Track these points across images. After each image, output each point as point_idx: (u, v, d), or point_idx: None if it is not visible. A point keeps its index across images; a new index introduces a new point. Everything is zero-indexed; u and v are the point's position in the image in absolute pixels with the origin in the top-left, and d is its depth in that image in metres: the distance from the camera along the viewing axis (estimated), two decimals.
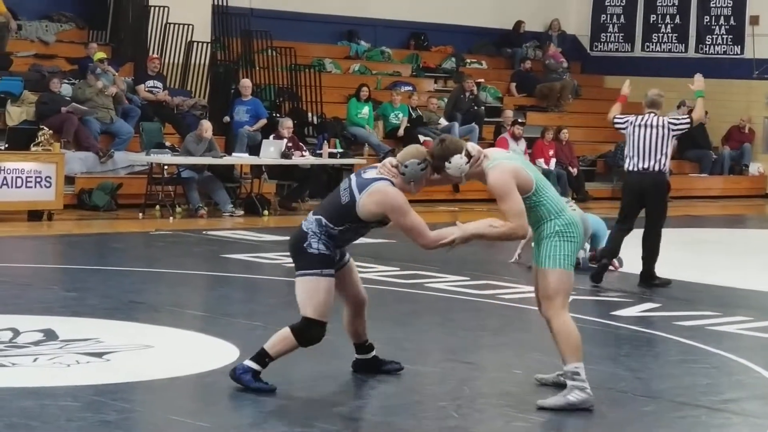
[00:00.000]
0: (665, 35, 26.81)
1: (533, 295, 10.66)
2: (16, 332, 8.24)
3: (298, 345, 6.93)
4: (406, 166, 6.87)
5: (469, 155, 6.87)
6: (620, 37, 27.33)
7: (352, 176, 7.01)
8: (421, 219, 6.92)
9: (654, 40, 26.94)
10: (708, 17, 26.34)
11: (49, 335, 8.22)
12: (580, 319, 9.78)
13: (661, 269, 12.78)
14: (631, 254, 12.53)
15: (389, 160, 6.99)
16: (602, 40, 27.55)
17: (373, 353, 7.45)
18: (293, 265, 7.02)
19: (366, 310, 7.33)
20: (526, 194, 6.78)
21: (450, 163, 6.84)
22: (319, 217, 6.91)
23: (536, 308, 10.07)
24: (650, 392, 7.41)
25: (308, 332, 6.88)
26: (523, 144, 21.68)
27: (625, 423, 6.77)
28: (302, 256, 6.89)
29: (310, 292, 6.85)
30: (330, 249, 6.90)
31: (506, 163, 6.85)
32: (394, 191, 6.83)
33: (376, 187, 6.83)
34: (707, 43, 26.35)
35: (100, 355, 7.70)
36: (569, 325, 6.87)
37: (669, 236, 13.37)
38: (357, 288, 7.30)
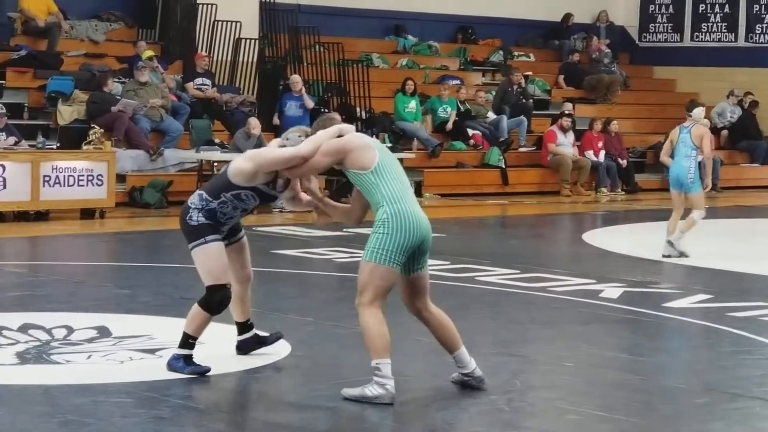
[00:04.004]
0: (715, 25, 26.61)
1: (584, 287, 10.73)
2: (70, 329, 8.32)
3: (210, 314, 7.15)
4: (287, 138, 7.09)
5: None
6: (669, 27, 27.16)
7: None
8: (283, 151, 6.96)
9: (703, 30, 26.74)
10: (758, 6, 26.12)
11: (103, 332, 8.29)
12: (631, 310, 9.76)
13: (713, 260, 12.72)
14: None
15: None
16: (651, 30, 27.38)
17: (253, 331, 7.65)
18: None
19: (250, 287, 7.53)
20: (362, 170, 6.73)
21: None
22: (201, 192, 7.19)
23: (586, 300, 10.10)
24: (703, 384, 7.37)
25: (212, 299, 7.10)
26: (571, 136, 21.61)
27: (679, 415, 6.73)
28: (186, 229, 7.17)
29: (201, 262, 7.14)
30: (211, 219, 7.11)
31: (351, 137, 6.87)
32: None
33: (245, 153, 7.22)
34: (757, 32, 26.12)
35: (152, 351, 7.76)
36: (372, 321, 6.59)
37: (720, 227, 13.31)
38: (244, 265, 7.47)
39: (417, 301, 6.85)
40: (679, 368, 7.79)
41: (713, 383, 7.39)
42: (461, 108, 21.57)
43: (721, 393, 7.16)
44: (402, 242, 6.58)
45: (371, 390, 6.62)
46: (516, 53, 25.40)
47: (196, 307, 7.17)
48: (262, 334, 7.69)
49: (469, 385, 6.95)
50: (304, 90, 19.54)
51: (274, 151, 7.01)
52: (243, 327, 7.62)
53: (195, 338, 7.16)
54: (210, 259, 7.11)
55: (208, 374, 7.12)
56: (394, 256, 6.58)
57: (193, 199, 7.17)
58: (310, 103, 19.51)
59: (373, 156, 6.71)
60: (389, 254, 6.57)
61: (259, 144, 17.18)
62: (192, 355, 7.15)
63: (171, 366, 7.14)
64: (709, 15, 26.68)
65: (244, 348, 7.63)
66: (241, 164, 7.02)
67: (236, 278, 7.44)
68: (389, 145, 19.39)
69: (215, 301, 7.12)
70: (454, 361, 6.96)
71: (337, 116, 7.23)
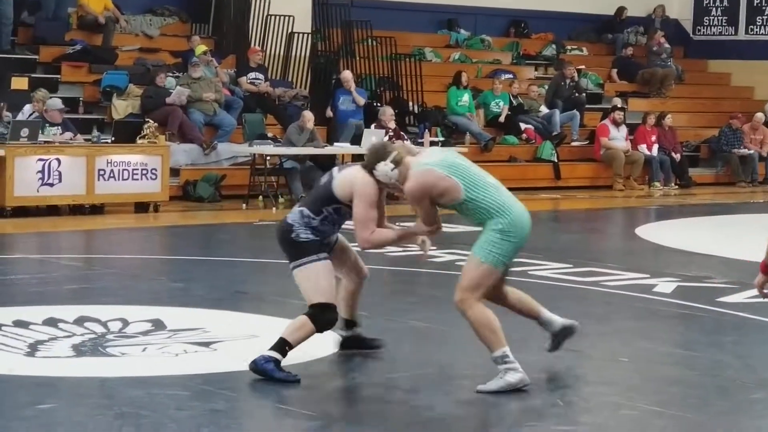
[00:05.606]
0: None
1: (638, 282, 10.67)
2: (126, 322, 8.38)
3: (316, 331, 6.96)
4: (375, 169, 6.83)
5: (397, 161, 6.72)
6: (724, 21, 26.94)
7: (336, 168, 7.15)
8: (373, 216, 6.88)
9: (758, 23, 26.50)
10: None
11: (158, 325, 8.34)
12: (685, 305, 9.70)
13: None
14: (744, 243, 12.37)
15: None
16: (705, 23, 27.18)
17: (359, 329, 7.58)
18: (286, 258, 7.06)
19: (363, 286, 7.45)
20: (455, 201, 6.68)
21: (376, 170, 6.79)
22: (302, 208, 7.04)
23: (640, 295, 10.05)
24: (759, 379, 7.31)
25: (322, 317, 6.91)
26: (624, 130, 21.50)
27: (735, 411, 6.69)
28: (294, 247, 6.99)
29: (312, 280, 6.94)
30: (318, 236, 6.98)
31: (426, 170, 6.68)
32: (367, 176, 6.87)
33: (355, 167, 7.00)
34: None
35: (207, 344, 7.80)
36: (480, 313, 6.72)
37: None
38: (356, 262, 7.41)
39: (500, 288, 7.05)
40: (735, 363, 7.73)
41: None
42: (514, 102, 21.52)
43: None
44: (515, 246, 6.74)
45: (511, 377, 6.70)
46: (569, 47, 25.30)
47: (302, 319, 6.95)
48: (364, 336, 7.61)
49: (561, 337, 7.24)
50: (353, 87, 19.55)
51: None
52: (351, 324, 7.55)
53: (292, 347, 6.95)
54: (323, 277, 6.94)
55: (296, 370, 7.04)
56: (505, 259, 6.74)
57: (294, 217, 7.00)
58: (360, 100, 19.48)
59: (454, 186, 6.65)
60: (503, 258, 6.72)
61: (312, 138, 17.23)
62: (281, 361, 6.92)
63: (260, 366, 6.88)
64: (764, 8, 26.44)
65: (350, 343, 7.55)
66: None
67: (350, 277, 7.39)
68: (442, 139, 19.42)
69: (325, 320, 6.93)
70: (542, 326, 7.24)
71: (390, 146, 6.95)
